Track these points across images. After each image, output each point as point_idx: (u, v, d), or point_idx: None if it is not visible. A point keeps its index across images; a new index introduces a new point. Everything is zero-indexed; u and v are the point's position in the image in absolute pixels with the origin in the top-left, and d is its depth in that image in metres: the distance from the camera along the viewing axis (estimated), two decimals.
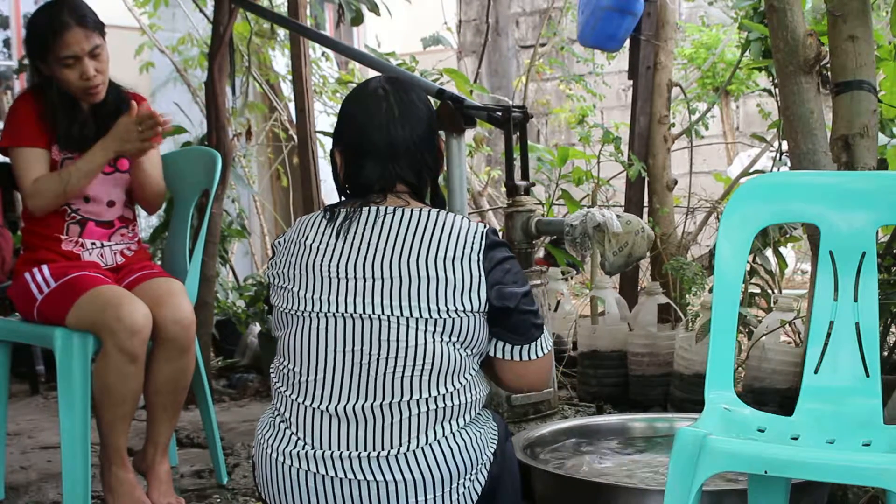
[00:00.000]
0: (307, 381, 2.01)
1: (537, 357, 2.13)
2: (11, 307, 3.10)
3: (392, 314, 1.97)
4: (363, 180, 2.08)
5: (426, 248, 2.00)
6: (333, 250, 2.03)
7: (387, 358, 1.97)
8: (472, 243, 2.01)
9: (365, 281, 1.99)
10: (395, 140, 2.07)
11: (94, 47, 2.92)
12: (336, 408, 1.98)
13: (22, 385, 4.73)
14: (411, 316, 1.97)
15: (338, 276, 2.01)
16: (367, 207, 2.06)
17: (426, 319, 1.97)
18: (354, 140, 2.09)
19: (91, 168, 2.92)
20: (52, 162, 2.97)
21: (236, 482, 3.24)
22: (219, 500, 3.10)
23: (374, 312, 1.98)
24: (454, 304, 1.98)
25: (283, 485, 2.01)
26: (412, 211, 2.05)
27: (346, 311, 1.99)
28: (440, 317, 1.98)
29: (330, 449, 1.98)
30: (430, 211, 2.06)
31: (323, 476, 1.97)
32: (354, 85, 6.04)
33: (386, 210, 2.05)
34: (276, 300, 2.10)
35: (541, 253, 5.00)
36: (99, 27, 2.96)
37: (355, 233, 2.04)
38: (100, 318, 2.75)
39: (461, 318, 1.99)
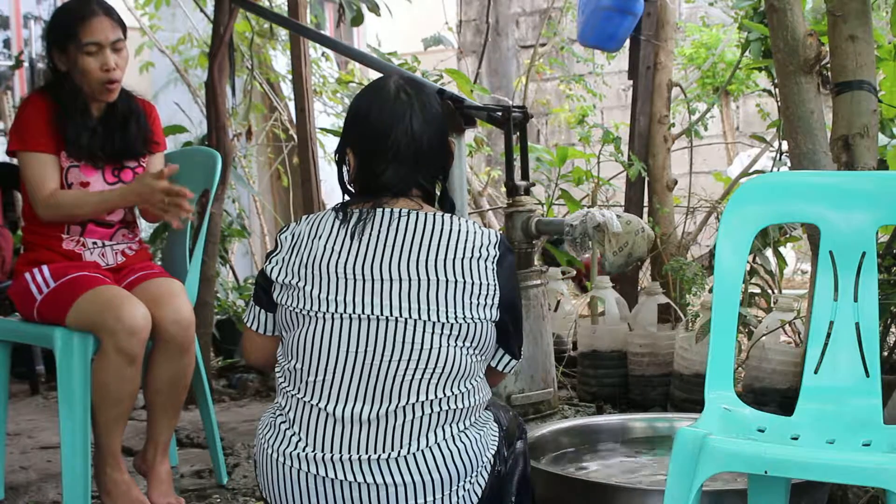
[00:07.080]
0: (314, 381, 2.01)
1: (501, 370, 2.18)
2: (11, 307, 3.10)
3: (405, 316, 1.97)
4: (383, 183, 2.06)
5: (442, 251, 2.00)
6: (349, 251, 2.02)
7: (398, 360, 1.97)
8: (487, 249, 2.02)
9: (380, 282, 1.99)
10: (421, 147, 2.06)
11: (117, 39, 2.94)
12: (342, 411, 1.98)
13: (22, 385, 4.72)
14: (423, 319, 1.97)
15: (353, 276, 2.00)
16: (381, 209, 2.05)
17: (441, 323, 1.97)
18: (376, 143, 2.06)
19: (105, 207, 2.95)
20: (59, 168, 2.97)
21: (236, 482, 3.24)
22: (219, 500, 3.10)
23: (385, 314, 1.98)
24: (468, 309, 1.99)
25: (283, 485, 2.01)
26: (426, 215, 2.05)
27: (359, 312, 1.99)
28: (454, 321, 1.98)
29: (330, 452, 1.97)
30: (443, 215, 2.06)
31: (323, 478, 1.97)
32: (355, 85, 6.08)
33: (400, 213, 2.04)
34: (283, 298, 2.07)
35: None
36: (122, 25, 3.00)
37: (370, 234, 2.03)
38: (99, 318, 2.74)
39: (474, 323, 2.00)
